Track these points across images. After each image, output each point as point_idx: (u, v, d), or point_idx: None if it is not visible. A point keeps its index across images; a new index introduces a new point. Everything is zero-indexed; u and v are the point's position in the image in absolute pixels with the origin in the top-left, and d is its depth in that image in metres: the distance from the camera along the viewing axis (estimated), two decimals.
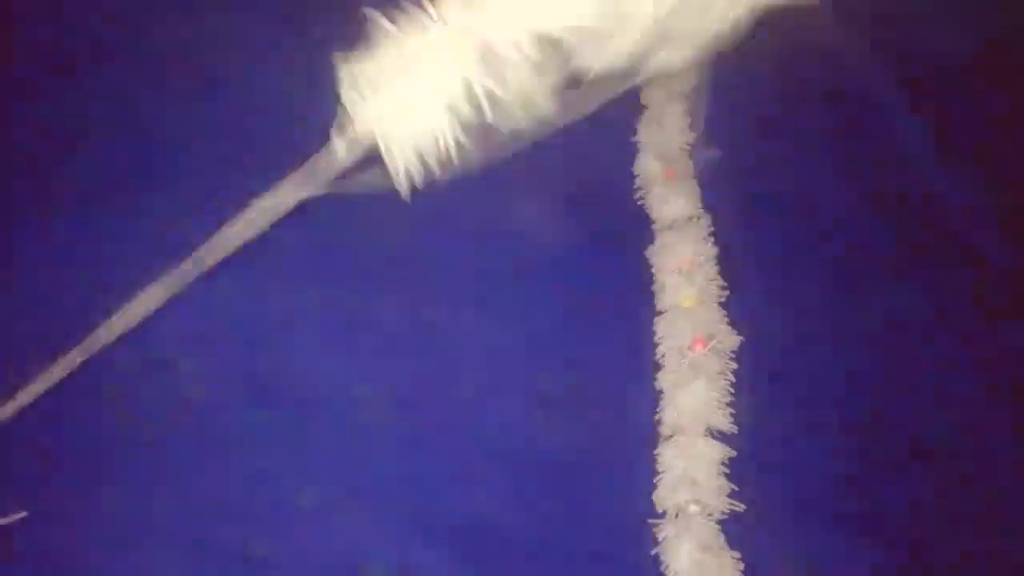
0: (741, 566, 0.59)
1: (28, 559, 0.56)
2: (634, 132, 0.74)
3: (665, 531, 0.60)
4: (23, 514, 0.56)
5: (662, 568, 0.59)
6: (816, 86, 0.78)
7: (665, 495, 0.61)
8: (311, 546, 0.58)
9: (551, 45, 0.54)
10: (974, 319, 0.70)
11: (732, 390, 0.64)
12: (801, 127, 0.76)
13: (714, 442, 0.63)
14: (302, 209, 0.57)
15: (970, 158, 0.75)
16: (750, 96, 0.76)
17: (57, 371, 0.56)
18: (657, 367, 0.65)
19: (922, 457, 0.66)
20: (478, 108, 0.53)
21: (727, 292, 0.68)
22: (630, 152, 0.73)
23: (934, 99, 0.76)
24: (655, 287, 0.68)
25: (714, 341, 0.65)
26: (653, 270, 0.68)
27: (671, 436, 0.63)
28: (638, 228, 0.70)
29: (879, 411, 0.67)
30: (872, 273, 0.72)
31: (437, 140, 0.54)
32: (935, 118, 0.75)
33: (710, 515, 0.61)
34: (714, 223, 0.70)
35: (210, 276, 0.60)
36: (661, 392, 0.64)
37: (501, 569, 0.60)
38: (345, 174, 0.56)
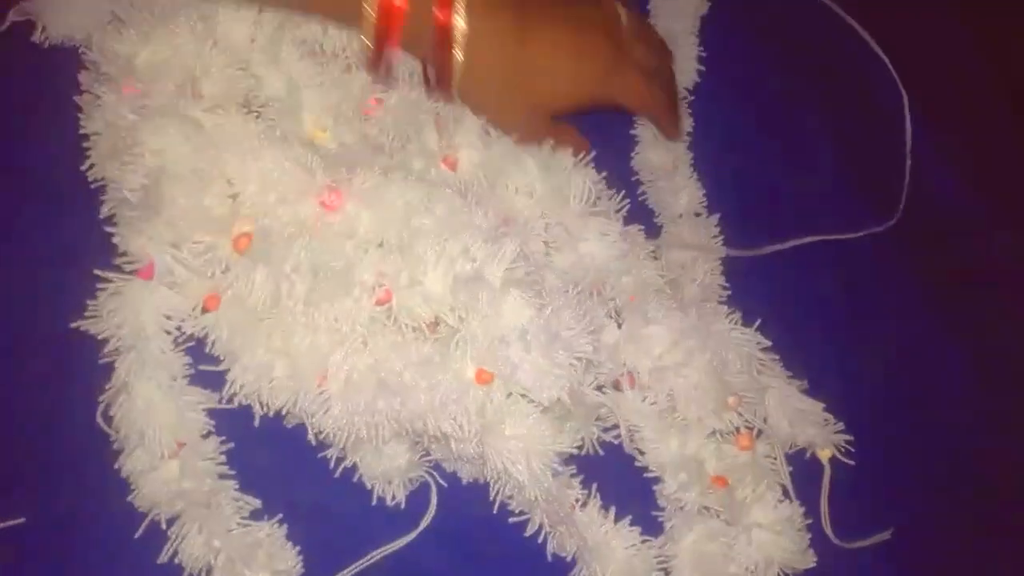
0: None
1: (27, 562, 0.56)
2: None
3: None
4: (21, 519, 0.56)
5: None
6: (817, 83, 0.78)
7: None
8: (311, 543, 0.58)
9: None
10: (973, 314, 0.70)
11: None
12: (802, 124, 0.76)
13: None
14: None
15: (971, 156, 0.75)
16: (751, 94, 0.76)
17: None
18: None
19: (923, 462, 0.66)
20: None
21: (728, 292, 0.68)
22: None
23: (934, 96, 0.76)
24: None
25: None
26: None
27: None
28: None
29: (879, 412, 0.67)
30: (869, 268, 0.72)
31: None
32: (935, 116, 0.75)
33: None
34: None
35: None
36: None
37: (501, 568, 0.60)
38: None
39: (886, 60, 0.77)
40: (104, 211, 0.58)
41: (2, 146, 0.64)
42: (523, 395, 0.54)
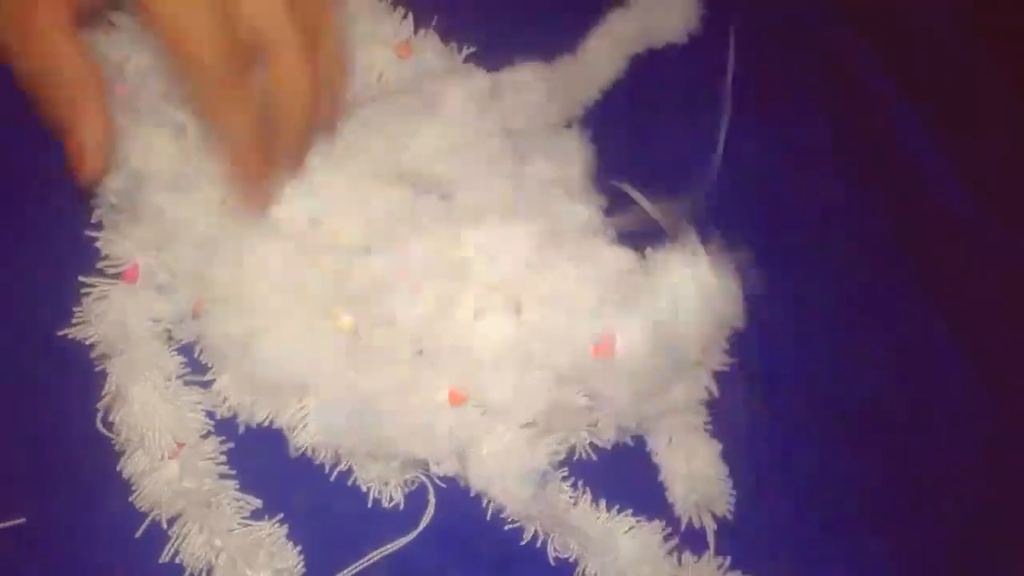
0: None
1: (27, 562, 0.56)
2: None
3: None
4: (21, 520, 0.56)
5: None
6: (816, 80, 0.78)
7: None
8: (311, 544, 0.58)
9: None
10: (973, 314, 0.70)
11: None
12: (799, 123, 0.76)
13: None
14: None
15: (971, 156, 0.75)
16: (749, 95, 0.76)
17: None
18: None
19: (922, 462, 0.66)
20: None
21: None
22: None
23: (930, 88, 0.76)
24: None
25: None
26: None
27: None
28: None
29: (878, 405, 0.67)
30: (870, 267, 0.72)
31: None
32: (935, 117, 0.75)
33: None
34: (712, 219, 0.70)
35: None
36: None
37: (502, 567, 0.60)
38: None
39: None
40: (95, 216, 0.59)
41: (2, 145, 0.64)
42: (497, 414, 0.54)
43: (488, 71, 0.65)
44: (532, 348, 0.54)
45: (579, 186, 0.65)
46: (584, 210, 0.62)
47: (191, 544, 0.55)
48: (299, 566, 0.57)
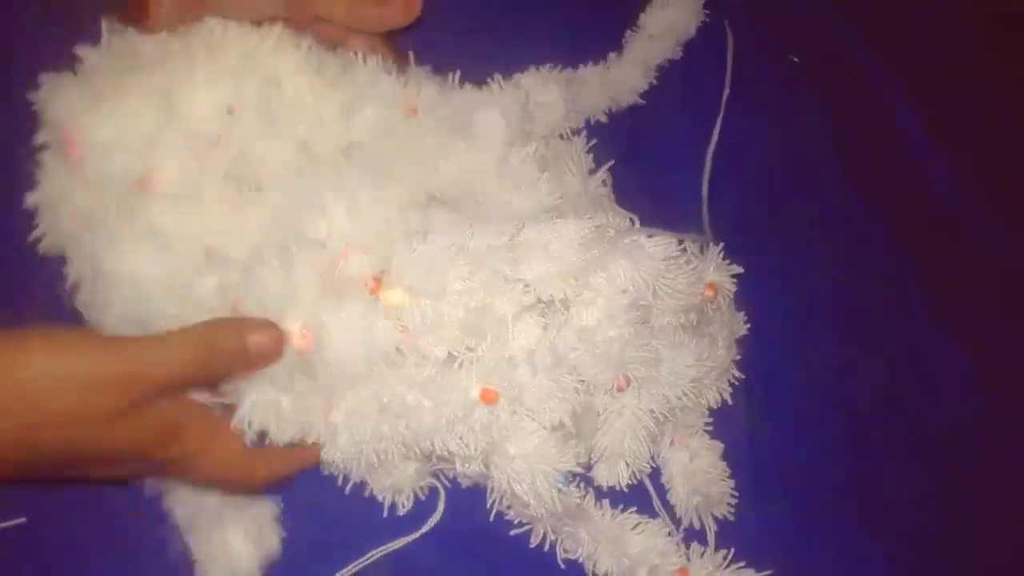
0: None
1: (27, 562, 0.56)
2: None
3: None
4: (21, 519, 0.56)
5: None
6: (817, 82, 0.78)
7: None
8: (311, 542, 0.58)
9: None
10: (973, 314, 0.70)
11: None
12: (801, 124, 0.77)
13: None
14: None
15: (971, 155, 0.75)
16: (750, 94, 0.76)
17: None
18: None
19: (922, 462, 0.66)
20: None
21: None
22: None
23: (930, 89, 0.76)
24: None
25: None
26: None
27: None
28: None
29: (878, 405, 0.67)
30: (870, 267, 0.72)
31: None
32: (936, 116, 0.75)
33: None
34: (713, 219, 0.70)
35: None
36: None
37: (503, 566, 0.60)
38: None
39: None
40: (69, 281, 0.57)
41: (3, 145, 0.64)
42: (527, 414, 0.54)
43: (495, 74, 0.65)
44: (565, 351, 0.54)
45: (604, 199, 0.66)
46: (616, 218, 0.62)
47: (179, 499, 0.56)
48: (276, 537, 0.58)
